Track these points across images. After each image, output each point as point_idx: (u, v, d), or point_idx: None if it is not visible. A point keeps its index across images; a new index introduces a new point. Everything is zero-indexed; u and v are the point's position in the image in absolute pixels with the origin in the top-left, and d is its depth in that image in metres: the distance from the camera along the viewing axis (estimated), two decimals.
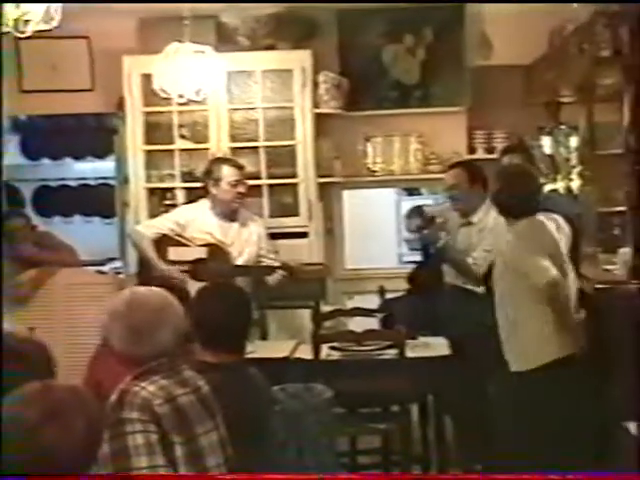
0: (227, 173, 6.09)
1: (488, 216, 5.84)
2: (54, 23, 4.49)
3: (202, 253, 6.01)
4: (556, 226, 4.60)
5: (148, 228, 6.22)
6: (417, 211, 6.26)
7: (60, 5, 4.43)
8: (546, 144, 6.95)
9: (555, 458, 4.38)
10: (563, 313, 4.37)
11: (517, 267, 4.42)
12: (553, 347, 4.40)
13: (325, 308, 6.19)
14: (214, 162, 6.32)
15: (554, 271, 4.34)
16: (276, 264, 6.00)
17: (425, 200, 7.83)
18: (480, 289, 5.69)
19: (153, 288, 3.13)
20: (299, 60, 6.93)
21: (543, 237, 4.45)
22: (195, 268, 5.92)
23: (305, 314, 6.28)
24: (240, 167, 6.22)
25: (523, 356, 4.50)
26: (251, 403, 3.42)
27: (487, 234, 5.77)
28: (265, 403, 3.63)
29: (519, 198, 4.53)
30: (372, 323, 5.85)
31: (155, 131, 7.03)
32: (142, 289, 3.14)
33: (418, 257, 6.36)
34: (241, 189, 6.13)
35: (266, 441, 3.54)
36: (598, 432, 4.34)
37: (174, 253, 6.03)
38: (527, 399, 4.49)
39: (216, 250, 6.02)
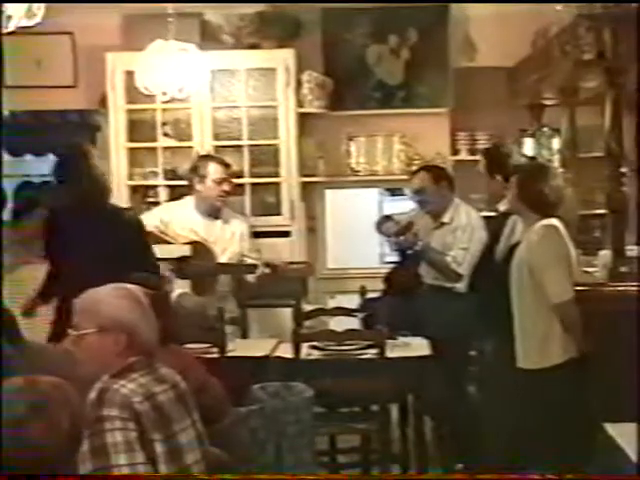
0: (213, 170, 6.11)
1: (459, 214, 5.89)
2: (37, 19, 4.47)
3: (186, 251, 6.01)
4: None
5: None
6: (388, 218, 6.27)
7: None
8: (528, 146, 6.96)
9: (544, 456, 4.42)
10: (569, 322, 4.38)
11: (535, 272, 4.41)
12: (556, 352, 4.40)
13: (306, 307, 6.19)
14: (201, 159, 6.34)
15: (571, 292, 4.37)
16: (257, 263, 6.01)
17: (407, 201, 7.82)
18: (460, 287, 5.71)
19: (124, 285, 3.13)
20: (283, 59, 6.94)
21: (565, 245, 4.44)
22: (179, 266, 5.92)
23: (286, 313, 6.26)
24: (226, 165, 6.25)
25: (528, 355, 4.51)
26: None
27: (461, 232, 5.82)
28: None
29: (545, 194, 4.51)
30: (353, 322, 5.86)
31: (138, 128, 7.03)
32: (115, 286, 3.13)
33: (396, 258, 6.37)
34: (226, 187, 6.14)
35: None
36: (584, 434, 4.35)
37: (158, 250, 6.03)
38: (529, 396, 4.50)
39: (200, 248, 6.03)
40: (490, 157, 5.43)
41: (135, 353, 2.99)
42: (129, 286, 3.13)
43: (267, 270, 5.89)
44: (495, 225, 5.22)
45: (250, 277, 5.99)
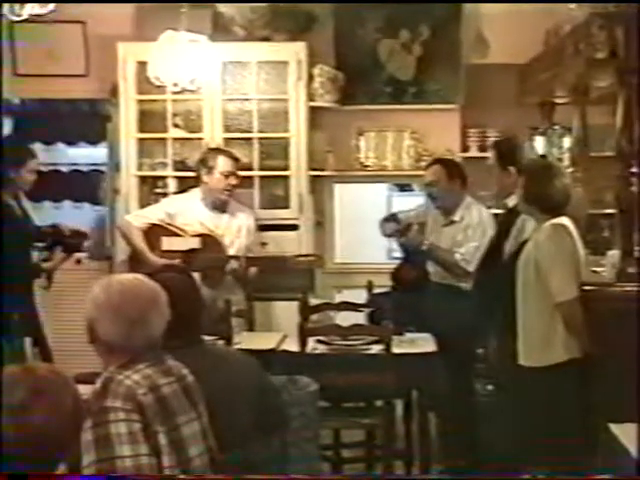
0: (221, 163, 6.12)
1: (470, 213, 5.85)
2: (50, 7, 4.49)
3: (196, 243, 6.01)
4: None
5: (137, 218, 6.24)
6: (392, 217, 6.26)
7: None
8: (539, 144, 6.95)
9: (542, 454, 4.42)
10: (572, 321, 4.38)
11: (541, 270, 4.40)
12: (558, 351, 4.40)
13: (313, 301, 6.19)
14: (210, 151, 6.36)
15: (575, 291, 4.37)
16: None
17: (416, 197, 7.81)
18: (466, 286, 5.70)
19: (137, 276, 3.11)
20: (295, 52, 6.92)
21: (573, 245, 4.44)
22: (188, 258, 5.93)
23: (293, 307, 6.27)
24: (235, 159, 6.25)
25: (530, 353, 4.51)
26: (210, 381, 3.30)
27: (472, 231, 5.78)
28: (229, 383, 3.50)
29: (552, 192, 4.51)
30: (359, 317, 5.86)
31: (148, 119, 7.03)
32: (129, 278, 3.11)
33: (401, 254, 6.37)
34: (233, 181, 6.14)
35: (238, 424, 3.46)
36: (585, 434, 4.35)
37: (168, 243, 6.04)
38: (530, 394, 4.50)
39: (209, 240, 6.03)
40: (502, 149, 5.39)
41: (144, 347, 2.99)
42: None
43: (236, 265, 5.90)
44: (504, 222, 5.19)
45: (227, 267, 5.97)
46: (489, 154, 5.55)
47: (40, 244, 5.98)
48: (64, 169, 9.62)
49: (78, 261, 6.35)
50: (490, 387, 5.45)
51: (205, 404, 3.14)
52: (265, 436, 3.60)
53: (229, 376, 3.47)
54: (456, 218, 5.87)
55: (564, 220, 4.46)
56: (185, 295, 3.47)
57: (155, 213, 6.20)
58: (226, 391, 3.31)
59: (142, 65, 6.69)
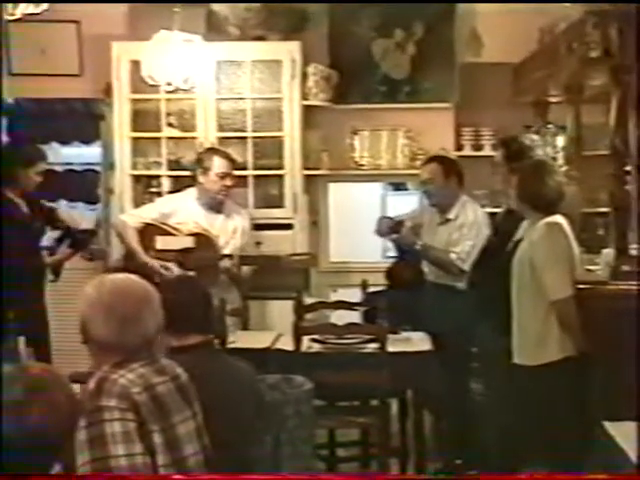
0: (217, 164, 6.11)
1: (466, 211, 5.84)
2: (44, 6, 4.48)
3: (190, 242, 6.01)
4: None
5: (132, 217, 6.24)
6: (387, 217, 6.26)
7: None
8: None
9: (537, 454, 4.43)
10: (567, 320, 4.38)
11: (536, 269, 4.41)
12: (553, 349, 4.41)
13: (308, 300, 6.19)
14: (207, 151, 6.34)
15: (570, 290, 4.37)
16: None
17: (411, 196, 7.81)
18: (461, 285, 5.70)
19: (130, 275, 3.11)
20: (289, 51, 6.92)
21: (567, 243, 4.44)
22: (183, 257, 5.92)
23: (287, 305, 6.27)
24: (231, 160, 6.23)
25: (524, 351, 4.51)
26: (218, 383, 3.34)
27: (467, 229, 5.77)
28: (236, 385, 3.55)
29: (545, 190, 4.51)
30: (354, 316, 5.86)
31: (142, 118, 7.02)
32: (121, 277, 3.10)
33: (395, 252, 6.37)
34: (228, 182, 6.14)
35: (240, 425, 3.49)
36: (580, 432, 4.35)
37: (162, 242, 6.03)
38: (525, 392, 4.51)
39: (204, 239, 6.02)
40: (510, 147, 5.39)
41: (137, 346, 2.99)
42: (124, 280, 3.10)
43: (229, 264, 5.90)
44: (507, 222, 5.16)
45: (221, 263, 5.97)
46: (496, 152, 5.55)
47: (52, 237, 6.00)
48: (58, 169, 9.61)
49: (90, 258, 6.34)
50: (485, 386, 5.46)
51: (209, 405, 3.15)
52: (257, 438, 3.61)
53: (233, 378, 3.49)
54: (451, 216, 5.87)
55: (558, 218, 4.47)
56: (193, 295, 3.51)
57: (150, 212, 6.19)
58: (230, 393, 3.35)
59: (136, 64, 6.69)
